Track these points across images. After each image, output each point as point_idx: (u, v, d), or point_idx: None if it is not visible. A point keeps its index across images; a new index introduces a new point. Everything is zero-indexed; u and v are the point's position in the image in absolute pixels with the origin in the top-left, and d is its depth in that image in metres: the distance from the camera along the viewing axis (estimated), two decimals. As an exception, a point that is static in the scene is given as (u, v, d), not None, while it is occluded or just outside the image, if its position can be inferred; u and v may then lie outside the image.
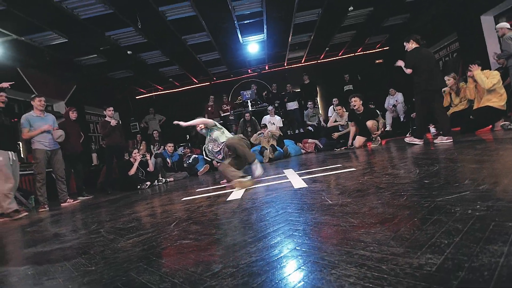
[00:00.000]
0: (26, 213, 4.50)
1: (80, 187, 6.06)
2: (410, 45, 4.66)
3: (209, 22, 6.95)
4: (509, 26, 5.19)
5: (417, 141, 4.70)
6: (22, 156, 7.15)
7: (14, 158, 4.35)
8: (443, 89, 5.50)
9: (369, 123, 6.20)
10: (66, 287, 1.16)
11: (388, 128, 8.65)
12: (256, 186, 3.11)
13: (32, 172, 5.94)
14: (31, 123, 4.87)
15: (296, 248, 1.10)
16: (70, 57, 7.65)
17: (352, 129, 6.80)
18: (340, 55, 11.26)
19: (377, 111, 7.18)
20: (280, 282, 0.86)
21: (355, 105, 6.35)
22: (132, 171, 6.23)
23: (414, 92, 4.59)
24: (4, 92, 4.36)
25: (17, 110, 7.67)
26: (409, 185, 1.82)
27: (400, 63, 4.67)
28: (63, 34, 6.35)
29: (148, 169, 6.58)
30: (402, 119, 8.72)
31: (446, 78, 5.75)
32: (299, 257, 1.01)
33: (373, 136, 6.26)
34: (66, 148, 5.48)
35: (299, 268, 0.92)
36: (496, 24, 5.98)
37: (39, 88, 7.71)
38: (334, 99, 8.69)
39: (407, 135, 7.62)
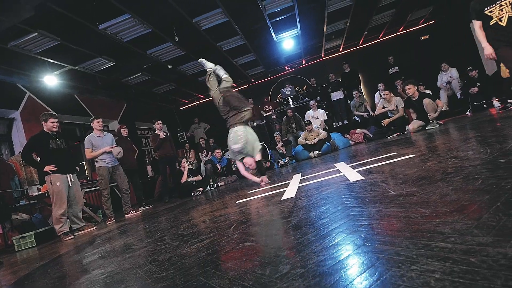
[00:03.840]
0: (95, 227, 4.95)
1: (140, 198, 6.50)
2: None
3: (242, 25, 7.03)
4: None
5: None
6: (86, 174, 7.87)
7: (73, 180, 4.75)
8: None
9: (426, 100, 5.89)
10: (143, 293, 1.22)
11: (444, 108, 7.99)
12: (308, 182, 3.05)
13: (97, 188, 6.52)
14: (93, 143, 5.33)
15: (365, 244, 1.03)
16: (119, 78, 8.25)
17: (401, 111, 6.47)
18: (381, 38, 10.66)
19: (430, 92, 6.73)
20: (355, 280, 0.81)
21: (409, 93, 6.10)
22: (183, 179, 6.57)
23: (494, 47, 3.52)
24: (55, 118, 4.72)
25: (78, 133, 8.48)
26: (482, 167, 1.63)
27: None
28: (110, 58, 6.89)
29: (197, 176, 6.86)
30: (459, 96, 7.99)
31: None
32: (371, 253, 0.95)
33: (431, 117, 5.82)
34: (123, 163, 5.91)
35: (373, 265, 0.87)
36: None
37: (94, 110, 8.46)
38: (379, 84, 8.28)
39: (467, 112, 6.98)
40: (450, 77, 8.13)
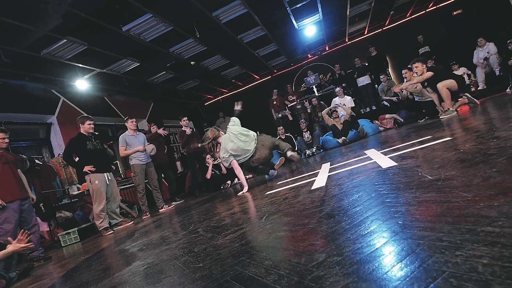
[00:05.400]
0: (132, 222, 5.19)
1: (172, 193, 6.72)
2: None
3: (262, 15, 6.94)
4: None
5: None
6: (120, 172, 8.23)
7: (110, 178, 4.98)
8: None
9: (440, 85, 4.96)
10: (182, 283, 1.27)
11: (481, 87, 7.50)
12: (338, 171, 3.00)
13: (132, 185, 6.81)
14: (127, 141, 5.56)
15: (403, 231, 1.00)
16: (144, 78, 8.48)
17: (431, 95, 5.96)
18: (409, 16, 10.10)
19: (456, 72, 6.09)
20: (394, 268, 0.79)
21: (417, 72, 5.31)
22: (208, 175, 6.71)
23: None
24: (91, 120, 4.96)
25: (110, 134, 8.87)
26: (528, 146, 1.52)
27: None
28: (135, 59, 7.10)
29: (222, 172, 6.94)
30: (497, 73, 7.44)
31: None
32: (410, 239, 0.92)
33: (445, 106, 5.09)
34: (155, 160, 6.10)
35: (414, 252, 0.83)
36: None
37: (123, 111, 8.81)
38: (403, 71, 7.82)
39: (507, 90, 6.51)
40: (488, 52, 7.57)
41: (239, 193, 4.02)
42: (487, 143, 1.92)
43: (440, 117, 4.99)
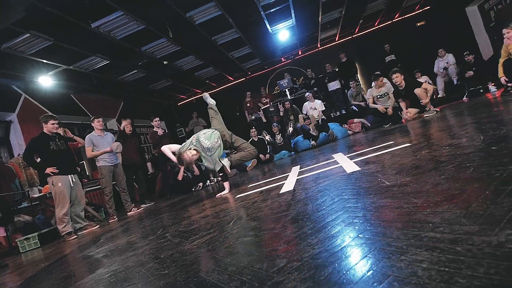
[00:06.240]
0: (98, 226, 5.01)
1: (142, 195, 6.55)
2: None
3: (236, 18, 6.99)
4: None
5: None
6: (87, 173, 7.91)
7: (74, 180, 4.78)
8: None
9: (418, 90, 5.76)
10: (146, 290, 1.26)
11: (441, 94, 8.00)
12: (306, 175, 3.09)
13: (98, 187, 6.56)
14: (94, 142, 5.35)
15: (359, 236, 1.07)
16: (114, 76, 8.22)
17: (391, 97, 6.44)
18: (377, 25, 10.60)
19: (419, 80, 6.69)
20: (347, 272, 0.85)
21: (397, 81, 5.96)
22: (179, 176, 6.57)
23: None
24: (55, 119, 4.73)
25: (76, 133, 8.49)
26: (474, 155, 1.66)
27: None
28: (105, 56, 6.86)
29: (194, 173, 6.86)
30: (455, 82, 7.99)
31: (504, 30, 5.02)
32: (364, 245, 0.98)
33: (423, 103, 5.78)
34: (126, 159, 5.92)
35: (365, 256, 0.90)
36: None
37: (91, 109, 8.47)
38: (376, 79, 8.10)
39: (463, 98, 6.99)
40: (447, 63, 8.12)
41: (217, 195, 3.90)
42: (440, 150, 2.07)
43: (425, 116, 5.64)
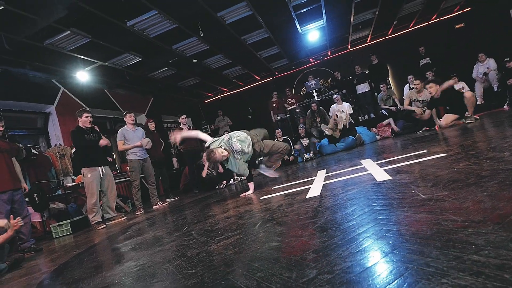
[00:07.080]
0: (125, 217, 5.19)
1: (167, 190, 6.73)
2: None
3: (266, 18, 6.97)
4: None
5: None
6: (116, 166, 8.22)
7: (105, 172, 4.97)
8: None
9: (468, 94, 5.56)
10: (174, 288, 1.29)
11: (479, 101, 7.57)
12: (333, 180, 3.03)
13: (126, 179, 6.80)
14: (125, 136, 5.56)
15: (394, 252, 1.03)
16: (145, 73, 8.47)
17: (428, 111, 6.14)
18: (412, 27, 10.19)
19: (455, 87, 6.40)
20: (382, 291, 0.81)
21: (431, 92, 5.80)
22: (203, 173, 6.64)
23: None
24: (89, 112, 4.95)
25: (108, 127, 8.86)
26: (520, 171, 1.55)
27: None
28: (138, 54, 7.09)
29: (218, 171, 6.91)
30: (495, 89, 7.52)
31: None
32: (399, 262, 0.95)
33: (469, 112, 5.47)
34: (150, 156, 6.11)
35: (402, 275, 0.86)
36: None
37: (123, 104, 8.80)
38: (409, 76, 7.92)
39: (504, 106, 6.59)
40: (487, 68, 7.66)
41: (242, 194, 3.90)
42: (480, 164, 1.95)
43: (466, 122, 5.43)
